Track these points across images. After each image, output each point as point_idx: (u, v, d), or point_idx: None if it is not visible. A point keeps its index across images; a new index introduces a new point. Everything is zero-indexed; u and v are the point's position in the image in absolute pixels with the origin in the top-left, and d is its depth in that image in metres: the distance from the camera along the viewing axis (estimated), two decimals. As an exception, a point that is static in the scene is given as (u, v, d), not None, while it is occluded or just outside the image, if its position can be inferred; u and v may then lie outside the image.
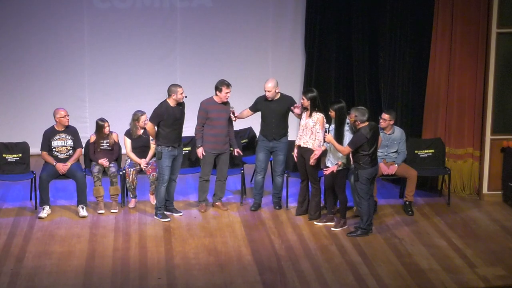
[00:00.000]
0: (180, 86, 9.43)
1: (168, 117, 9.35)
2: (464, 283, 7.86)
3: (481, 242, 8.93)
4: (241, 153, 9.93)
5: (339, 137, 8.92)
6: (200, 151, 9.69)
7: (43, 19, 11.98)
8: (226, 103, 9.70)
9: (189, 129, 12.32)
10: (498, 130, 10.30)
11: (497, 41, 10.11)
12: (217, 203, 9.95)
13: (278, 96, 9.74)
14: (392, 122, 9.83)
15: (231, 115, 9.76)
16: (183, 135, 9.97)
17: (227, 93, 9.60)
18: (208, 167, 9.77)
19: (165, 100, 9.44)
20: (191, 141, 10.35)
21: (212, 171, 9.88)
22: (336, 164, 9.00)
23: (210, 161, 9.75)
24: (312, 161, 9.24)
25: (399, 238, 9.02)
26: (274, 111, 9.70)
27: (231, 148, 9.85)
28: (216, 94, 9.64)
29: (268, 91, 9.64)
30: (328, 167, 9.12)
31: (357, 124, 8.80)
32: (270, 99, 9.69)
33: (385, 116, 9.78)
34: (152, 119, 9.41)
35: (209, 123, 9.68)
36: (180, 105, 9.49)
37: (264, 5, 12.33)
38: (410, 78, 10.65)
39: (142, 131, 9.91)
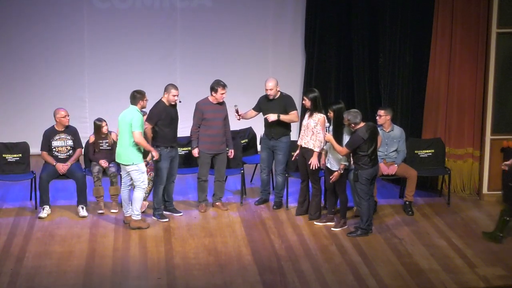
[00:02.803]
0: (176, 88, 9.40)
1: (166, 116, 9.34)
2: (464, 283, 7.86)
3: (481, 242, 8.93)
4: (231, 157, 9.88)
5: (337, 138, 8.91)
6: (195, 152, 9.69)
7: (43, 19, 11.97)
8: (222, 103, 9.69)
9: (188, 129, 12.34)
10: (498, 130, 10.30)
11: (497, 41, 10.11)
12: (217, 203, 9.95)
13: (278, 95, 9.76)
14: (388, 118, 9.81)
15: (235, 113, 9.76)
16: (182, 136, 9.96)
17: (223, 93, 9.59)
18: (205, 168, 9.77)
19: (160, 99, 9.42)
20: (190, 141, 10.35)
21: (211, 171, 9.88)
22: (339, 169, 8.99)
23: (207, 162, 9.75)
24: (312, 165, 9.24)
25: (399, 238, 9.02)
26: (273, 110, 9.71)
27: (228, 148, 9.85)
28: (212, 95, 9.63)
29: (270, 89, 9.65)
30: (327, 167, 9.13)
31: (352, 127, 8.80)
32: (272, 97, 9.70)
33: (380, 112, 9.79)
34: (149, 119, 9.38)
35: (205, 123, 9.66)
36: (174, 106, 9.47)
37: (264, 5, 12.33)
38: (410, 78, 10.65)
39: None
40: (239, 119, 9.84)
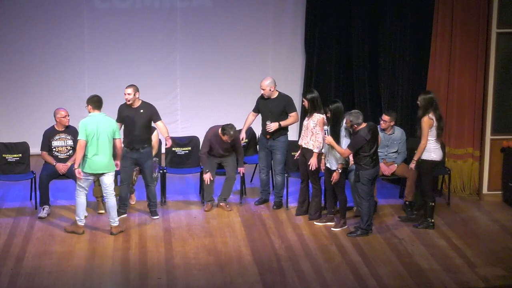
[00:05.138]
0: (127, 87, 9.28)
1: (124, 116, 9.27)
2: (464, 283, 7.86)
3: (481, 242, 8.93)
4: (241, 175, 9.97)
5: (335, 137, 8.90)
6: (207, 177, 9.67)
7: (43, 20, 11.97)
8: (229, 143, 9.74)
9: (188, 129, 12.36)
10: (498, 130, 10.29)
11: (497, 41, 10.11)
12: (221, 204, 9.93)
13: (276, 95, 9.75)
14: (392, 123, 9.83)
15: (242, 141, 9.92)
16: (182, 135, 9.93)
17: (227, 140, 9.54)
18: (213, 170, 9.80)
19: None
20: (191, 141, 10.36)
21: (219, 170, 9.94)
22: (337, 169, 8.99)
23: (215, 163, 9.80)
24: (311, 165, 9.25)
25: (399, 238, 9.02)
26: (271, 110, 9.72)
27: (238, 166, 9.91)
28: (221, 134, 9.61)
29: (263, 89, 9.66)
30: (327, 167, 9.13)
31: (354, 128, 8.79)
32: (266, 97, 9.70)
33: (385, 117, 9.78)
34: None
35: (211, 152, 9.75)
36: (142, 108, 9.32)
37: (264, 5, 12.32)
38: (410, 78, 10.65)
39: None
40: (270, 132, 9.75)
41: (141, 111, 9.34)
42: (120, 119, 9.36)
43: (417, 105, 9.24)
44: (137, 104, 9.34)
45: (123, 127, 9.39)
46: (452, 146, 10.49)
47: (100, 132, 8.82)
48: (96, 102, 8.92)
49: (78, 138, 8.83)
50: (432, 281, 7.90)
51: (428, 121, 9.05)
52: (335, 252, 8.59)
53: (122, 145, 9.23)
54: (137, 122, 9.30)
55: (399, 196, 10.32)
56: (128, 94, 9.25)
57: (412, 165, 9.29)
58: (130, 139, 9.32)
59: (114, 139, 8.93)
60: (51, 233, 9.05)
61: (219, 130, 9.60)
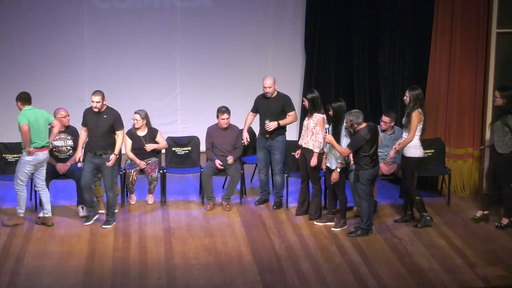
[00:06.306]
0: (94, 94, 9.12)
1: (88, 120, 9.19)
2: (464, 283, 7.86)
3: (481, 242, 8.93)
4: (230, 162, 9.93)
5: (336, 136, 8.90)
6: (218, 162, 9.79)
7: (43, 20, 11.97)
8: (230, 129, 9.78)
9: (188, 129, 12.33)
10: (498, 130, 10.29)
11: (497, 41, 10.12)
12: (223, 203, 9.94)
13: (275, 94, 9.77)
14: (393, 124, 9.84)
15: (245, 141, 9.95)
16: (181, 135, 9.92)
17: (223, 119, 9.70)
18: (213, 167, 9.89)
19: None
20: (191, 141, 10.37)
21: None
22: (336, 168, 8.99)
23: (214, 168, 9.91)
24: (312, 162, 9.26)
25: (399, 238, 9.02)
26: (270, 109, 9.74)
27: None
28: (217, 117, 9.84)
29: (269, 87, 9.67)
30: (327, 166, 9.13)
31: (354, 127, 8.79)
32: (269, 95, 9.71)
33: (385, 119, 9.79)
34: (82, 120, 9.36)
35: (215, 148, 9.87)
36: (106, 114, 9.16)
37: (264, 5, 12.33)
38: (410, 78, 10.66)
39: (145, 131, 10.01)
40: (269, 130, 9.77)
41: (105, 116, 9.17)
42: (84, 123, 9.26)
43: (403, 101, 9.27)
44: (102, 109, 9.18)
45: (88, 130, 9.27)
46: (452, 146, 10.50)
47: (39, 122, 9.04)
48: (24, 99, 9.14)
49: (21, 124, 8.97)
50: (432, 281, 7.90)
51: (419, 115, 9.06)
52: (335, 252, 8.59)
53: (85, 150, 9.26)
54: (100, 127, 9.14)
55: (399, 196, 10.33)
56: (97, 102, 9.05)
57: (392, 153, 9.38)
58: (92, 144, 9.20)
59: (50, 124, 9.15)
60: (51, 233, 9.05)
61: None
